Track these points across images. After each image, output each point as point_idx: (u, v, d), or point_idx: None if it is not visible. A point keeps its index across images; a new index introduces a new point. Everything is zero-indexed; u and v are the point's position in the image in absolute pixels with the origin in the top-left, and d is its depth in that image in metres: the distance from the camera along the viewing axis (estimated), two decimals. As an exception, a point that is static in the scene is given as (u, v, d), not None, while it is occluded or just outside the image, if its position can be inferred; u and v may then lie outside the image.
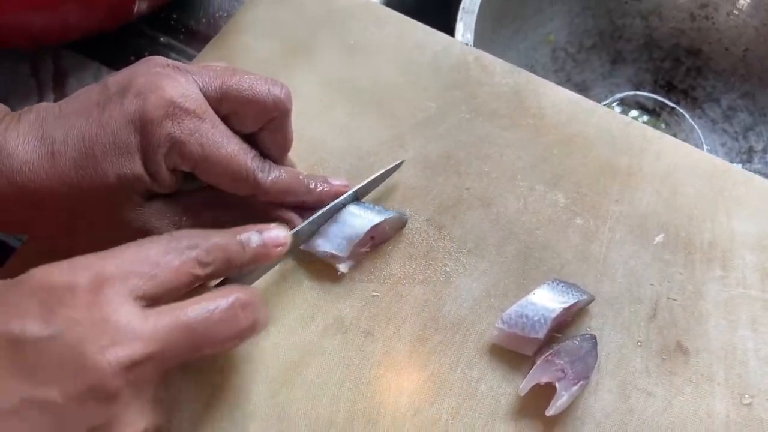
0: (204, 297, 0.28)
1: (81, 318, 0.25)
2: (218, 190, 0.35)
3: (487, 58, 0.46)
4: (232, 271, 0.31)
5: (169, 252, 0.28)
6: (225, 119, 0.33)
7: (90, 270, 0.26)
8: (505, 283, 0.38)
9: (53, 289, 0.25)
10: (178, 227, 0.34)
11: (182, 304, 0.27)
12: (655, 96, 0.68)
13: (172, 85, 0.31)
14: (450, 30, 0.55)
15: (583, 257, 0.40)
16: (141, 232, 0.32)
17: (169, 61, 0.33)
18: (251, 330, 0.29)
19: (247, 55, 0.45)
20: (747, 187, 0.42)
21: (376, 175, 0.39)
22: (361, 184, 0.39)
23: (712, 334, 0.38)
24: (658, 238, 0.40)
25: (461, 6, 0.56)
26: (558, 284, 0.37)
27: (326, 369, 0.36)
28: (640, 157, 0.43)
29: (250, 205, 0.36)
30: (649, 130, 0.44)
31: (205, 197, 0.35)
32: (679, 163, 0.43)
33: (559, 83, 0.69)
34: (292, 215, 0.36)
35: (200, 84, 0.32)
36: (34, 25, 0.41)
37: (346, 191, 0.38)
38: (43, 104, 0.32)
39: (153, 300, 0.27)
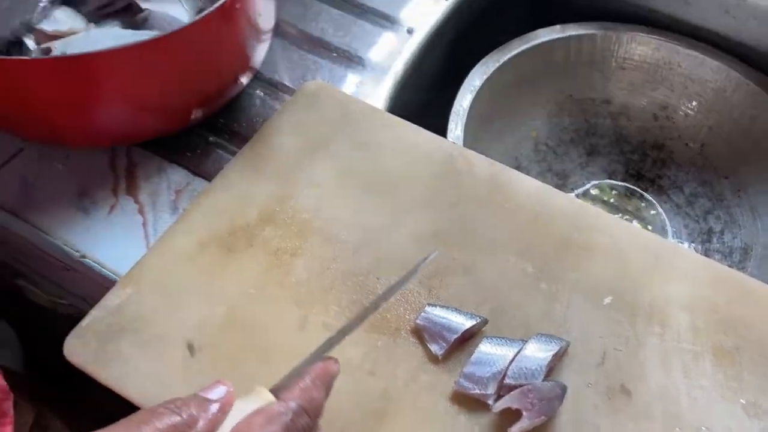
0: None
1: None
2: None
3: (470, 153, 0.57)
4: None
5: None
6: None
7: None
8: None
9: None
10: None
11: None
12: (626, 184, 0.79)
13: None
14: (445, 131, 0.67)
15: (546, 316, 0.49)
16: None
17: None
18: None
19: (278, 151, 0.57)
20: (679, 258, 0.51)
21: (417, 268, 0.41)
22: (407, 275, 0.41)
23: (651, 378, 0.46)
24: (608, 300, 0.49)
25: (452, 111, 0.68)
26: (541, 337, 0.46)
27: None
28: (593, 233, 0.53)
29: None
30: (601, 211, 0.54)
31: None
32: (624, 239, 0.52)
33: (542, 172, 0.80)
34: None
35: None
36: (116, 131, 0.53)
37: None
38: None
39: None
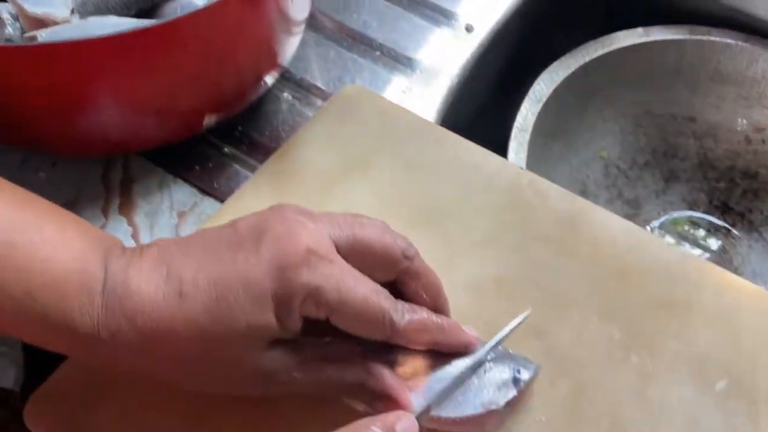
0: None
1: None
2: (341, 345, 0.34)
3: (542, 182, 0.46)
4: None
5: None
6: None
7: None
8: (555, 425, 0.37)
9: None
10: (293, 379, 0.32)
11: None
12: (710, 217, 0.67)
13: (306, 232, 0.31)
14: (503, 147, 0.57)
15: (638, 399, 0.38)
16: (258, 375, 0.32)
17: (300, 208, 0.33)
18: None
19: (307, 168, 0.47)
20: (815, 334, 0.40)
21: (507, 331, 0.37)
22: (493, 343, 0.36)
23: (782, 496, 0.35)
24: (720, 384, 0.38)
25: (515, 125, 0.57)
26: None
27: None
28: (699, 292, 0.41)
29: (372, 364, 0.34)
30: (708, 264, 0.43)
31: (329, 351, 0.34)
32: (741, 302, 0.41)
33: (611, 199, 0.69)
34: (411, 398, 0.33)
35: (330, 233, 0.32)
36: (110, 138, 0.44)
37: (477, 343, 0.36)
38: (164, 240, 0.32)
39: None
